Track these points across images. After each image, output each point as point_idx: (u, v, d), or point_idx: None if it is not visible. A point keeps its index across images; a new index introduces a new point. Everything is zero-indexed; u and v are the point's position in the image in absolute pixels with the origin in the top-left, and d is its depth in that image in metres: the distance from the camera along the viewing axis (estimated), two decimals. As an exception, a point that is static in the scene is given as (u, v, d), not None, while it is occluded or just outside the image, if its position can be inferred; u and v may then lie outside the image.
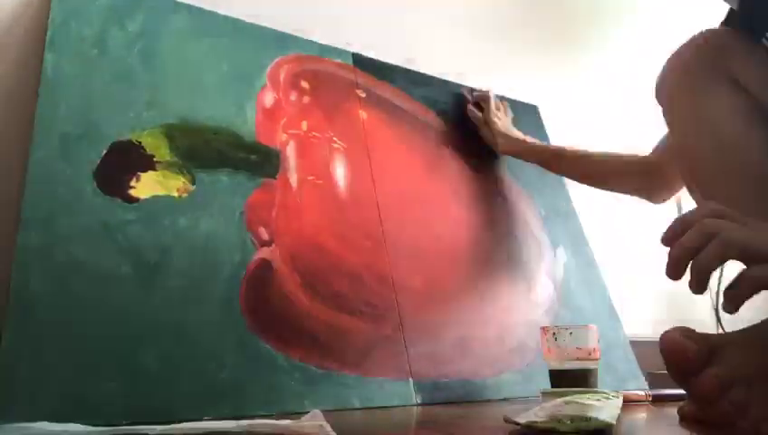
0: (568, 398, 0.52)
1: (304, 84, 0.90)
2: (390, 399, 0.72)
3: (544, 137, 1.20)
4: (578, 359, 0.73)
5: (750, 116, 0.66)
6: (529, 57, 1.32)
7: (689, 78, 0.70)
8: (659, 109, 0.74)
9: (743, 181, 0.65)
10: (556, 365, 0.74)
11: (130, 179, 0.69)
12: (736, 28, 0.70)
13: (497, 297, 0.93)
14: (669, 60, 0.73)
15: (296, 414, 0.58)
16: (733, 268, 0.49)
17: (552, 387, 0.74)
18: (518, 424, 0.48)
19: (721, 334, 0.53)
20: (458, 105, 1.10)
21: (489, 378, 0.83)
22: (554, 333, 0.74)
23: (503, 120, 1.06)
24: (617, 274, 1.19)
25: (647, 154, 0.95)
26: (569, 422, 0.45)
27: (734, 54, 0.68)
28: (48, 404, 0.54)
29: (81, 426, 0.46)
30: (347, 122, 0.92)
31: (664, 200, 0.97)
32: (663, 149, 0.91)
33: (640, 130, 1.09)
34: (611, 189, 1.01)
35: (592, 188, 1.02)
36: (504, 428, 0.50)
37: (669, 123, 0.74)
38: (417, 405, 0.73)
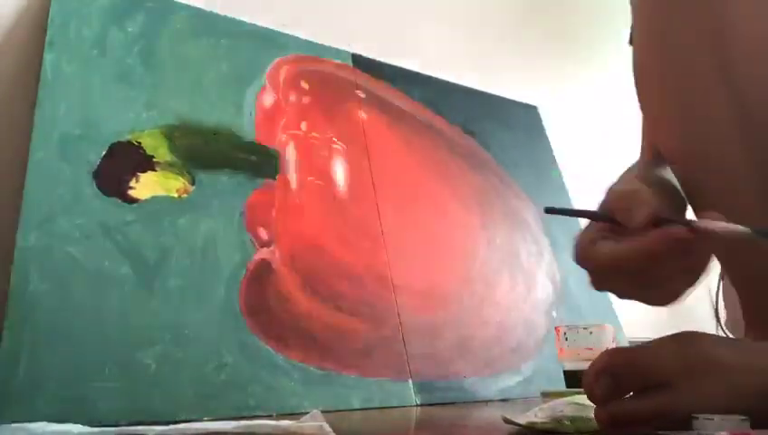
0: (568, 398, 0.52)
1: (304, 85, 0.90)
2: (390, 399, 0.72)
3: (544, 137, 1.20)
4: (589, 360, 0.72)
5: None
6: (529, 57, 1.32)
7: None
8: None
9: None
10: (569, 366, 0.74)
11: (130, 180, 0.69)
12: None
13: (497, 298, 0.93)
14: None
15: (296, 414, 0.58)
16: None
17: (567, 388, 0.73)
18: (518, 425, 0.48)
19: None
20: (458, 105, 1.10)
21: (489, 378, 0.83)
22: (565, 334, 0.74)
23: None
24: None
25: None
26: (569, 423, 0.45)
27: None
28: (47, 404, 0.54)
29: (81, 426, 0.46)
30: (347, 123, 0.92)
31: None
32: None
33: (641, 130, 1.09)
34: None
35: None
36: (504, 428, 0.50)
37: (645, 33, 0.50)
38: (417, 406, 0.73)
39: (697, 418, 0.32)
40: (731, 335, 0.61)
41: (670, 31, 0.48)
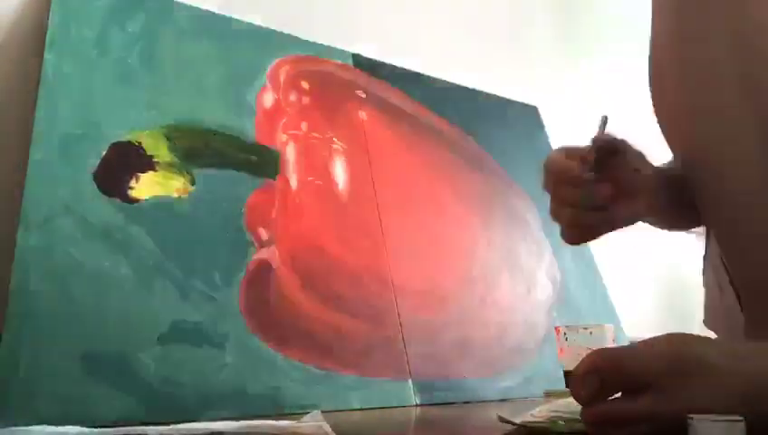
0: (569, 398, 0.52)
1: (304, 85, 0.90)
2: (390, 399, 0.72)
3: (544, 138, 1.20)
4: None
5: None
6: (529, 57, 1.32)
7: None
8: None
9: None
10: (569, 366, 0.73)
11: (130, 180, 0.69)
12: None
13: (497, 298, 0.93)
14: None
15: (296, 414, 0.58)
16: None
17: (567, 388, 0.73)
18: (514, 424, 0.48)
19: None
20: (458, 105, 1.10)
21: (488, 379, 0.83)
22: (565, 334, 0.74)
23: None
24: (617, 274, 1.19)
25: None
26: (562, 423, 0.45)
27: None
28: (47, 404, 0.54)
29: (81, 428, 0.46)
30: (347, 123, 0.92)
31: None
32: None
33: (641, 131, 1.09)
34: None
35: None
36: (502, 428, 0.50)
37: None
38: (417, 406, 0.73)
39: (692, 419, 0.32)
40: (712, 333, 0.60)
41: (691, 31, 0.48)
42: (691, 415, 0.32)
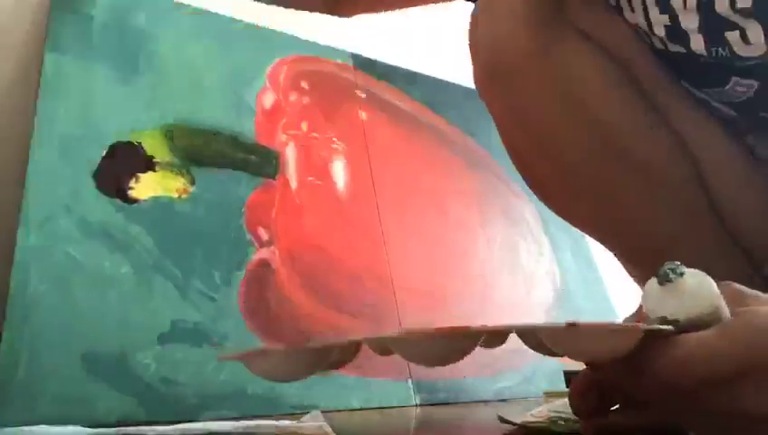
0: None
1: (304, 85, 0.90)
2: (390, 399, 0.72)
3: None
4: None
5: (608, 76, 0.49)
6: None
7: (527, 34, 0.49)
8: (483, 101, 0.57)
9: (624, 172, 0.48)
10: (569, 366, 0.73)
11: (130, 180, 0.69)
12: None
13: (497, 298, 0.93)
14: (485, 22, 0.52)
15: (296, 414, 0.58)
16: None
17: (567, 388, 0.73)
18: (514, 424, 0.48)
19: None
20: (458, 105, 1.10)
21: (488, 378, 0.83)
22: None
23: None
24: (617, 274, 1.19)
25: None
26: (562, 423, 0.45)
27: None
28: (47, 405, 0.54)
29: (81, 428, 0.46)
30: (347, 123, 0.92)
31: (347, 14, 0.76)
32: None
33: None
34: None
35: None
36: (501, 428, 0.50)
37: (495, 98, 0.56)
38: (417, 406, 0.73)
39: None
40: None
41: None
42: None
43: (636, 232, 0.51)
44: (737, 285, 0.32)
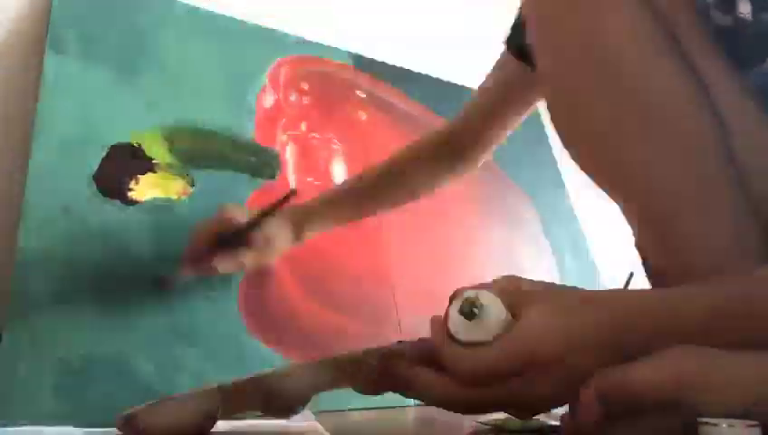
0: None
1: (304, 85, 0.90)
2: (388, 399, 0.72)
3: (544, 138, 1.20)
4: None
5: (661, 43, 0.46)
6: (529, 57, 1.32)
7: None
8: (529, 29, 0.53)
9: (662, 138, 0.46)
10: None
11: (130, 182, 0.69)
12: None
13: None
14: None
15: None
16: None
17: None
18: (484, 424, 0.49)
19: None
20: (458, 105, 1.10)
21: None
22: None
23: None
24: (616, 275, 1.19)
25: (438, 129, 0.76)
26: (519, 421, 0.46)
27: None
28: (47, 405, 0.54)
29: (81, 428, 0.46)
30: (346, 123, 0.92)
31: (470, 169, 0.77)
32: (461, 116, 0.75)
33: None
34: (418, 191, 0.78)
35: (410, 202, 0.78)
36: (472, 427, 0.51)
37: (540, 42, 0.52)
38: (415, 406, 0.74)
39: (704, 423, 0.31)
40: None
41: (550, 46, 0.51)
42: (703, 418, 0.31)
43: (664, 201, 0.48)
44: (515, 280, 0.41)
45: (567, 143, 0.54)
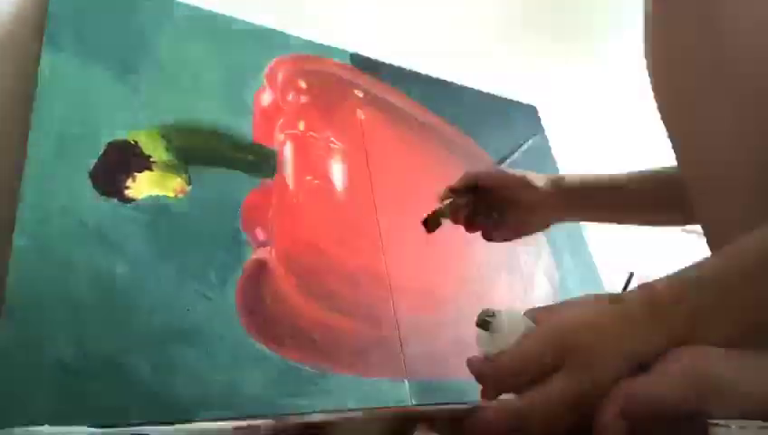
0: None
1: (302, 84, 0.90)
2: (386, 400, 0.72)
3: (544, 138, 1.20)
4: None
5: None
6: (528, 57, 1.32)
7: None
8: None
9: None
10: None
11: (127, 180, 0.69)
12: None
13: (494, 298, 0.93)
14: None
15: (294, 414, 0.58)
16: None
17: None
18: None
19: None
20: (458, 105, 1.10)
21: (486, 379, 0.83)
22: None
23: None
24: (616, 275, 1.19)
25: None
26: None
27: None
28: (47, 404, 0.54)
29: (80, 428, 0.46)
30: (345, 122, 0.92)
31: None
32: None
33: (641, 131, 1.08)
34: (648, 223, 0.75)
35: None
36: None
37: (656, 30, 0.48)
38: (413, 406, 0.73)
39: (715, 425, 0.30)
40: None
41: (671, 29, 0.47)
42: (714, 420, 0.30)
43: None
44: (545, 307, 0.42)
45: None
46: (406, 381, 0.75)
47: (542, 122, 1.22)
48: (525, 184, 0.72)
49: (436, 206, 0.74)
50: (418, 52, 1.11)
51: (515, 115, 1.15)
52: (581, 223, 1.14)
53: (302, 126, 0.87)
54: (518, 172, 0.74)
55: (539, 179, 0.73)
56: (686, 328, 0.34)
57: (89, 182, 0.66)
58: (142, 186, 0.69)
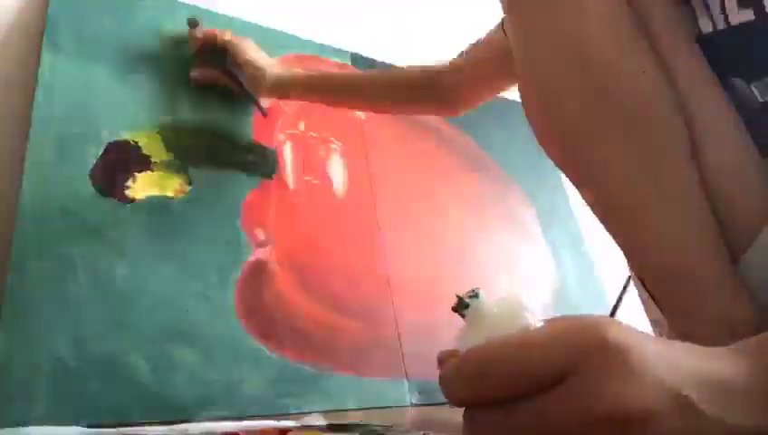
0: None
1: (302, 84, 0.90)
2: (385, 399, 0.72)
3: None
4: None
5: (633, 38, 0.46)
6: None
7: None
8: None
9: (626, 138, 0.45)
10: None
11: (127, 180, 0.69)
12: None
13: (494, 298, 0.93)
14: None
15: (293, 414, 0.58)
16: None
17: None
18: None
19: None
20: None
21: (485, 379, 0.83)
22: None
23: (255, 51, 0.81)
24: (615, 275, 1.19)
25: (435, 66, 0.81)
26: None
27: None
28: (46, 404, 0.54)
29: (78, 428, 0.46)
30: (344, 122, 0.92)
31: (446, 114, 0.84)
32: (453, 65, 0.79)
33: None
34: (398, 111, 0.89)
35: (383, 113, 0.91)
36: None
37: (513, 31, 0.52)
38: (412, 406, 0.73)
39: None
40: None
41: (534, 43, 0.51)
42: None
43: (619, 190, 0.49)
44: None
45: (539, 139, 0.55)
46: (405, 381, 0.75)
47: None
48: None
49: None
50: (418, 52, 1.11)
51: (515, 115, 1.15)
52: (581, 223, 1.14)
53: (302, 126, 0.87)
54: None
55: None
56: None
57: (89, 182, 0.66)
58: (142, 186, 0.69)
